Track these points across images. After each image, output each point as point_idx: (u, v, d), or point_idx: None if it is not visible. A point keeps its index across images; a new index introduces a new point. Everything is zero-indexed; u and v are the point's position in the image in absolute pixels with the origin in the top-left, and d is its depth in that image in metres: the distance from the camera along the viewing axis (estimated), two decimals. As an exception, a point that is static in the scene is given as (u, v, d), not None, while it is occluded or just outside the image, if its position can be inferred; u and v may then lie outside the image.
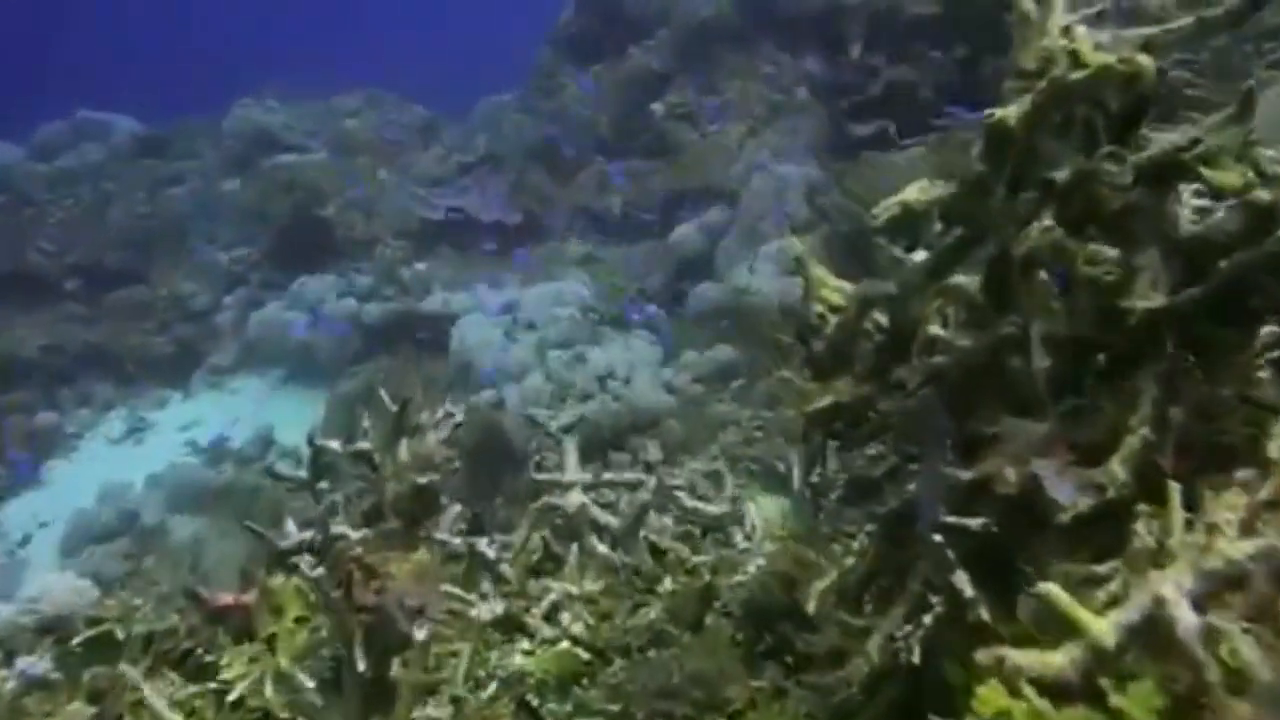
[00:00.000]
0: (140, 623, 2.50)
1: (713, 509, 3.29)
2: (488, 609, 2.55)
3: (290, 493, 5.46)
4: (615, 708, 2.13)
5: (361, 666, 2.03)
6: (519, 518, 5.04)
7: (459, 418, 3.28)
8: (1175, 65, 3.63)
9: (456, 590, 2.59)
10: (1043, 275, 1.70)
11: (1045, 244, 1.65)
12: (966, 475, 1.64)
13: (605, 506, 3.25)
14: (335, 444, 3.01)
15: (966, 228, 1.56)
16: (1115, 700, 1.25)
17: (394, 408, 2.91)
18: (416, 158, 11.41)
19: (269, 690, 2.25)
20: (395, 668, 2.17)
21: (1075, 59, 1.37)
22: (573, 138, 10.78)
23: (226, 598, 2.67)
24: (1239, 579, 1.23)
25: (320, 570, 2.42)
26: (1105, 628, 1.31)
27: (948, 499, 1.65)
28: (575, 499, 3.10)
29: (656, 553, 3.05)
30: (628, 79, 10.46)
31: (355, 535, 3.02)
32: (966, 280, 1.81)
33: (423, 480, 2.94)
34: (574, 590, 2.68)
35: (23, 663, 2.32)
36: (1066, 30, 1.41)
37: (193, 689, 2.36)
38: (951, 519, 1.59)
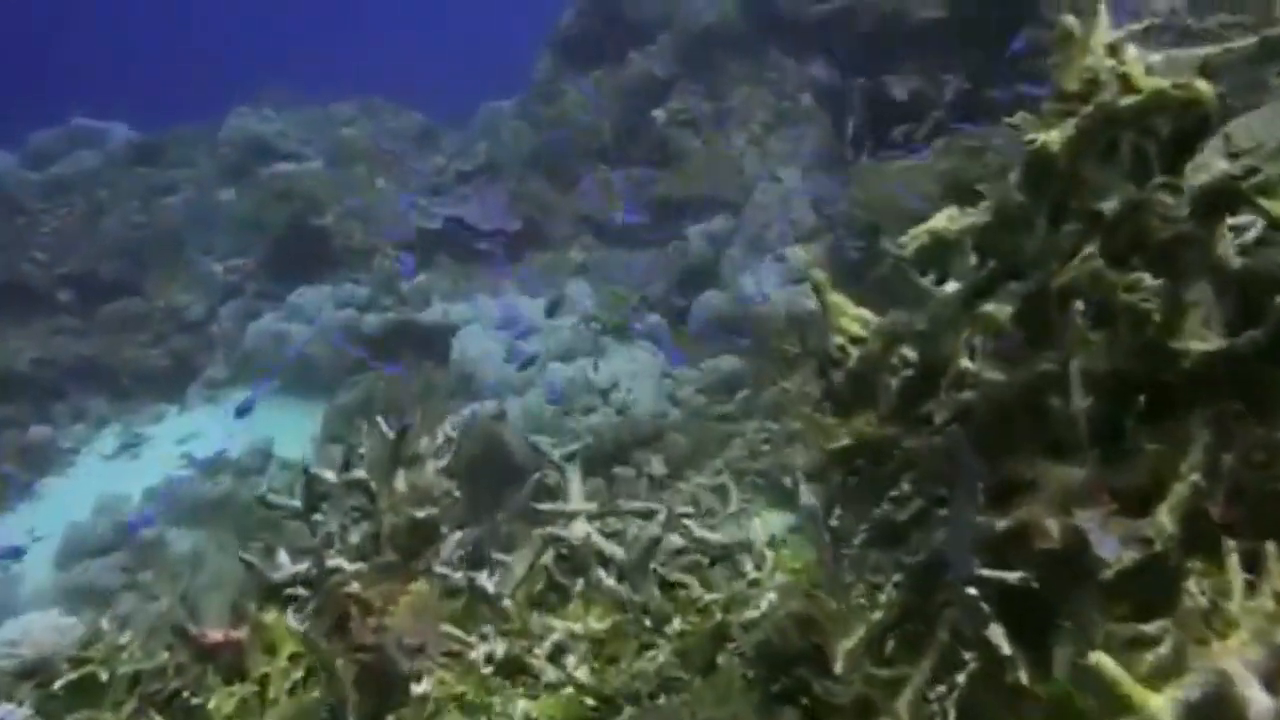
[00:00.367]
0: (126, 663, 2.38)
1: (721, 537, 3.18)
2: (488, 649, 2.44)
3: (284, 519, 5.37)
4: (624, 759, 2.02)
5: (355, 723, 1.91)
6: (521, 534, 4.95)
7: (457, 445, 3.18)
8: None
9: (456, 631, 2.47)
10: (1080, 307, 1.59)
11: (1084, 274, 1.54)
12: (1002, 524, 1.53)
13: (611, 536, 3.15)
14: (330, 474, 2.90)
15: (1004, 261, 1.45)
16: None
17: (391, 435, 2.80)
18: (415, 166, 11.30)
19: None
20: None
21: (1125, 82, 1.26)
22: (573, 145, 10.68)
23: (216, 634, 2.56)
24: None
25: (309, 620, 2.31)
26: (1162, 705, 1.20)
27: (981, 548, 1.55)
28: (580, 530, 2.99)
29: (665, 586, 2.94)
30: (629, 85, 10.36)
31: (351, 568, 2.91)
32: (998, 309, 1.71)
33: (421, 514, 2.83)
34: (579, 629, 2.57)
35: (1, 710, 2.20)
36: (1114, 50, 1.30)
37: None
38: (988, 572, 1.48)
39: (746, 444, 7.02)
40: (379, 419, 2.81)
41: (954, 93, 7.13)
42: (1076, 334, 1.59)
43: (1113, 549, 1.38)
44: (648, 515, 3.02)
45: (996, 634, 1.45)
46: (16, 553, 8.14)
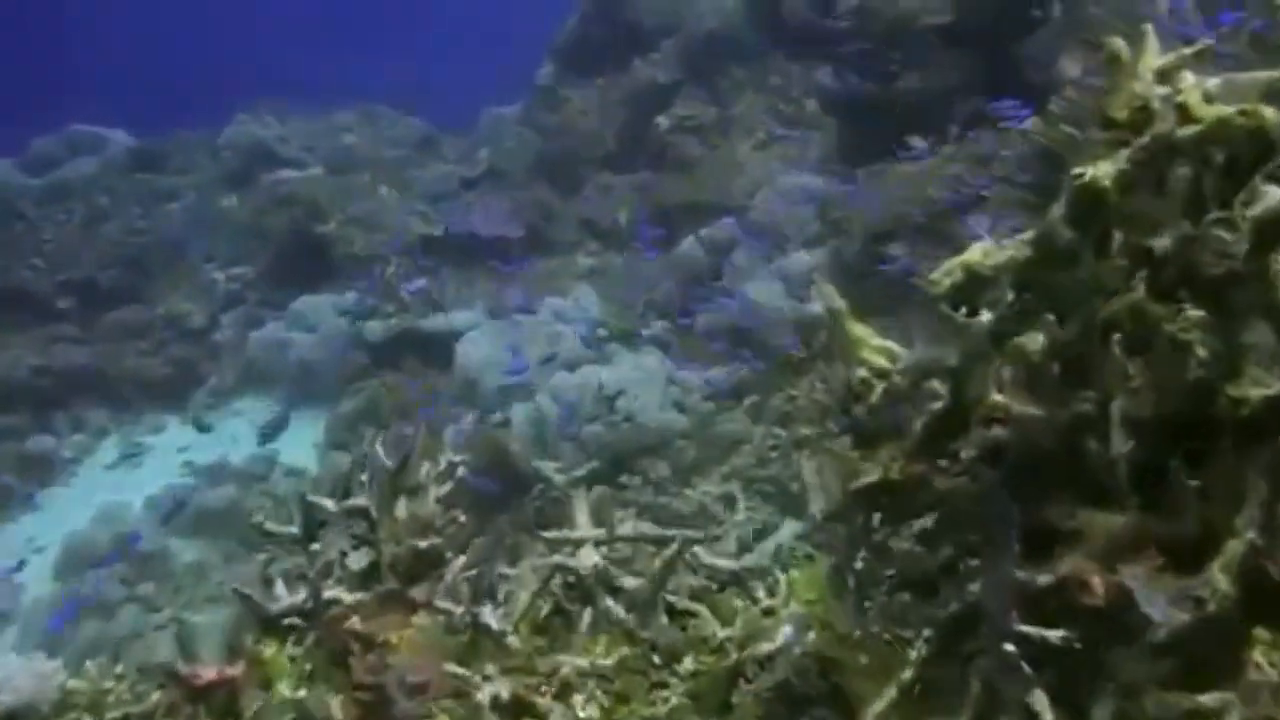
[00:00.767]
0: (113, 707, 2.29)
1: (731, 563, 3.08)
2: (493, 690, 2.34)
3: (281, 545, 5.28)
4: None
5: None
6: (525, 545, 4.85)
7: (462, 471, 3.08)
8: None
9: (460, 670, 2.38)
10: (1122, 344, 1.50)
11: (1126, 308, 1.44)
12: (1043, 578, 1.43)
13: (620, 563, 3.06)
14: (329, 503, 2.82)
15: (1049, 301, 1.35)
16: None
17: (391, 465, 2.72)
18: (417, 173, 11.22)
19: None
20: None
21: (1183, 111, 1.16)
22: (577, 151, 10.61)
23: (209, 673, 2.47)
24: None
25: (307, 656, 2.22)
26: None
27: (1019, 603, 1.45)
28: (588, 559, 2.90)
29: (675, 615, 2.84)
30: (632, 91, 10.28)
31: (350, 599, 2.82)
32: (1033, 343, 1.61)
33: (423, 544, 2.74)
34: (586, 666, 2.47)
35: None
36: (1170, 75, 1.20)
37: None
38: (1028, 629, 1.38)
39: (754, 451, 6.93)
40: (377, 447, 2.72)
41: (962, 100, 7.03)
42: (1118, 372, 1.50)
43: (1162, 609, 1.28)
44: (659, 543, 2.93)
45: (1040, 701, 1.35)
46: (18, 566, 8.08)
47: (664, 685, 2.34)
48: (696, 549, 3.11)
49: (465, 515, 3.14)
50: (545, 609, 3.09)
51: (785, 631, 2.51)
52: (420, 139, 12.01)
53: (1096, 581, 1.34)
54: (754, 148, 9.09)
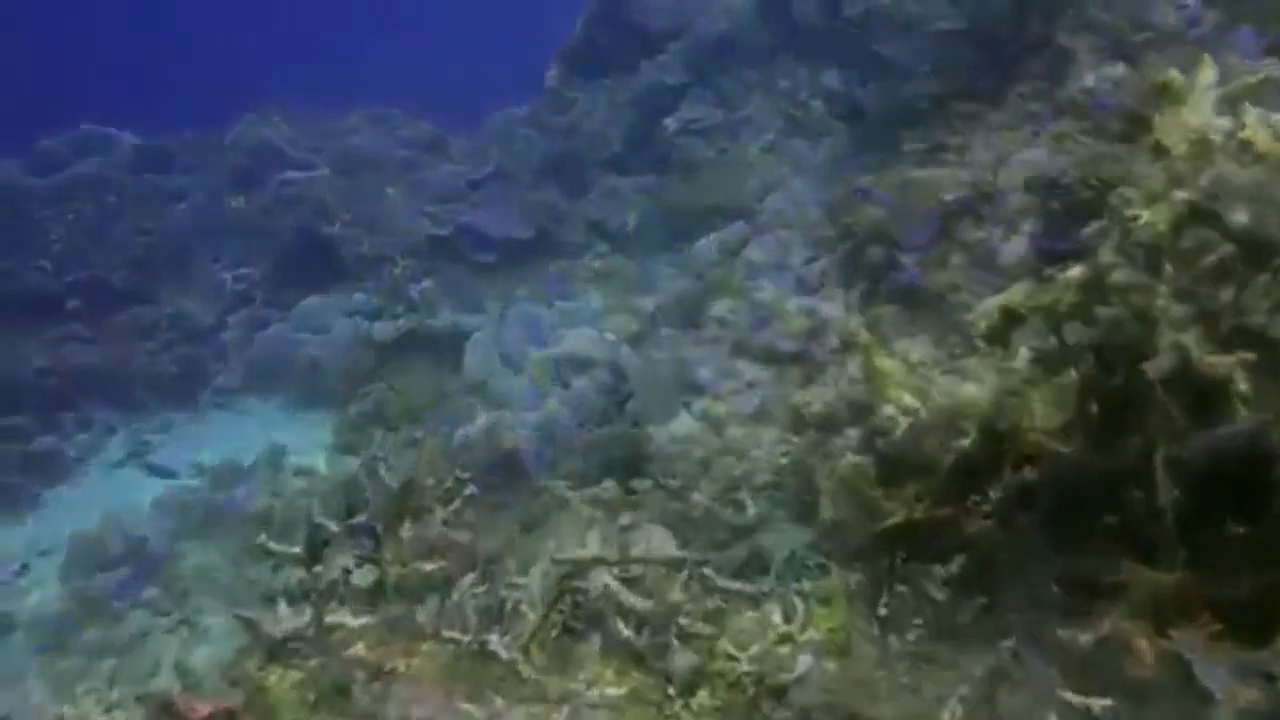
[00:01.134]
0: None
1: (748, 588, 3.01)
2: (502, 725, 2.27)
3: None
4: None
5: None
6: (529, 548, 4.77)
7: (471, 489, 3.02)
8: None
9: (468, 707, 2.31)
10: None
11: (1173, 352, 1.36)
12: (1085, 637, 1.35)
13: (630, 582, 2.99)
14: (334, 524, 2.75)
15: (1092, 342, 1.27)
16: None
17: (395, 487, 2.65)
18: (425, 174, 11.15)
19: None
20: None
21: (1247, 147, 1.08)
22: (585, 153, 10.54)
23: (205, 708, 2.39)
24: None
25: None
26: None
27: (1060, 662, 1.37)
28: (599, 580, 2.83)
29: (686, 638, 2.77)
30: (641, 93, 10.19)
31: (355, 623, 2.75)
32: (1070, 382, 1.53)
33: (429, 567, 2.67)
34: (596, 697, 2.40)
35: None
36: (1233, 109, 1.12)
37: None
38: (1072, 697, 1.30)
39: (766, 455, 6.86)
40: (381, 470, 2.65)
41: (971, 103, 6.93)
42: (1164, 417, 1.42)
43: (1221, 681, 1.20)
44: (673, 565, 2.86)
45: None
46: (21, 569, 8.03)
47: (677, 718, 2.27)
48: (708, 570, 3.04)
49: (471, 533, 3.08)
50: (555, 630, 3.02)
51: (804, 661, 2.43)
52: (429, 140, 11.93)
53: (1144, 646, 1.25)
54: (763, 149, 8.99)
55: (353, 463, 5.85)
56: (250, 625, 2.61)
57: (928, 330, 3.04)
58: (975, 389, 2.98)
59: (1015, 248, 2.93)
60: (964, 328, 3.01)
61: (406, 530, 2.56)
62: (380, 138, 11.65)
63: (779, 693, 2.67)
